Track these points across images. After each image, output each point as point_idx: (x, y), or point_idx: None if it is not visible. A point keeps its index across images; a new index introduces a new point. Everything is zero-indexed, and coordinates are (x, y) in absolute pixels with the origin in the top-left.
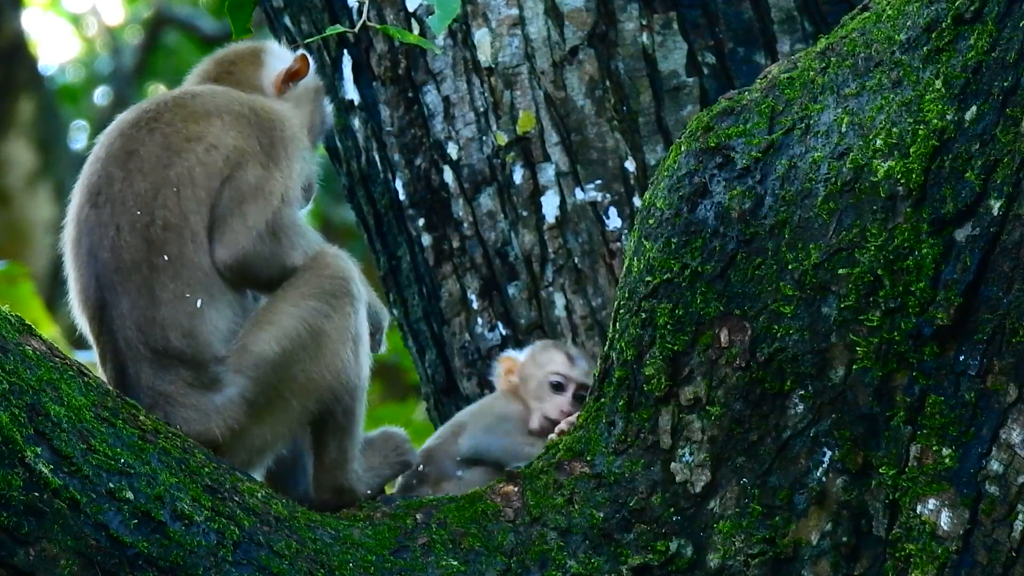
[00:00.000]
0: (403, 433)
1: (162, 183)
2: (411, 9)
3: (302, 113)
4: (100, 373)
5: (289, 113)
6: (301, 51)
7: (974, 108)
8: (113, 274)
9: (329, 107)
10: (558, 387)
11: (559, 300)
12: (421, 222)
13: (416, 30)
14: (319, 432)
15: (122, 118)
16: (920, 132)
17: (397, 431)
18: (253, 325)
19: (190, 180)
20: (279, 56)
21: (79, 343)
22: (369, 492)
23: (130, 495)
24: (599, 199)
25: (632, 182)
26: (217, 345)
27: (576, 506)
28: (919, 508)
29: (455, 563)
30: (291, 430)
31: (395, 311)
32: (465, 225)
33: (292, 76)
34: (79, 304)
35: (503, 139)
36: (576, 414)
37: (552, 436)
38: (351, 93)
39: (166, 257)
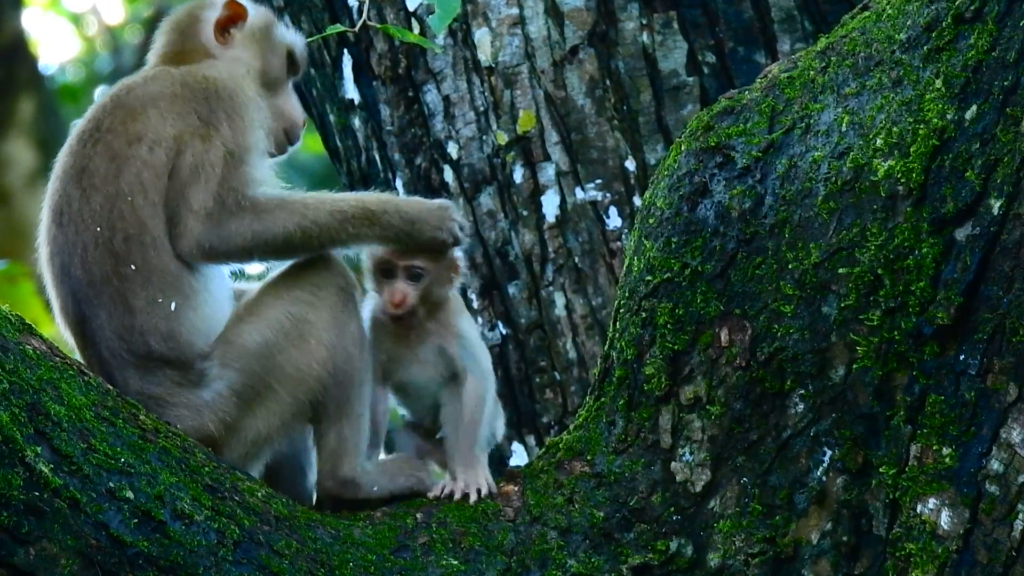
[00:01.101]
0: (434, 467)
1: (115, 196)
2: (411, 8)
3: (250, 57)
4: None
5: (225, 70)
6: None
7: (974, 107)
8: (87, 289)
9: (289, 36)
10: (387, 273)
11: (559, 299)
12: None
13: (416, 29)
14: (317, 423)
15: (74, 131)
16: (920, 131)
17: (433, 465)
18: (237, 318)
19: (140, 187)
20: (215, 7)
21: None
22: (376, 490)
23: (130, 494)
24: (599, 198)
25: (632, 181)
26: (199, 342)
27: (576, 505)
28: (919, 507)
29: (455, 562)
30: (284, 421)
31: None
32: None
33: (227, 23)
34: (61, 318)
35: (503, 138)
36: (414, 292)
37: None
38: (351, 92)
39: (133, 267)
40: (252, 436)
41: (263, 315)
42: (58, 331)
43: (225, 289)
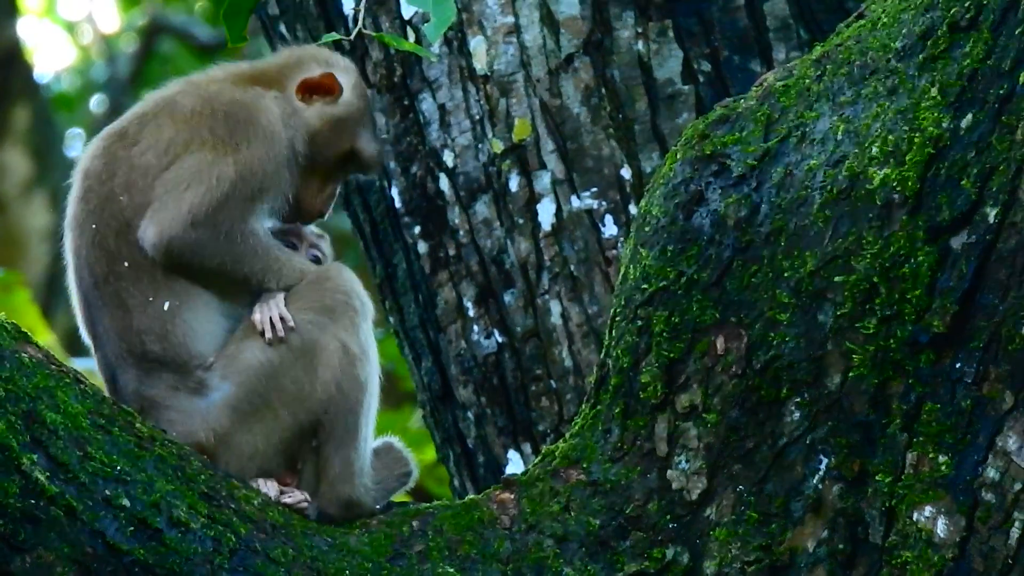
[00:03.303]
0: (401, 443)
1: (107, 196)
2: (407, 17)
3: (312, 121)
4: (98, 381)
5: (267, 103)
6: (331, 69)
7: (970, 116)
8: (94, 289)
9: (367, 140)
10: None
11: (555, 307)
12: (417, 230)
13: (412, 38)
14: (321, 446)
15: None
16: (916, 140)
17: (396, 441)
18: (245, 332)
19: (126, 187)
20: (320, 65)
21: (75, 350)
22: (378, 505)
23: (126, 502)
24: (595, 206)
25: (628, 190)
26: (198, 347)
27: (572, 513)
28: (915, 515)
29: (451, 570)
30: (282, 440)
31: (391, 319)
32: (461, 233)
33: (316, 88)
34: (81, 325)
35: (499, 147)
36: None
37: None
38: None
39: (126, 264)
40: (248, 452)
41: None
42: (54, 339)
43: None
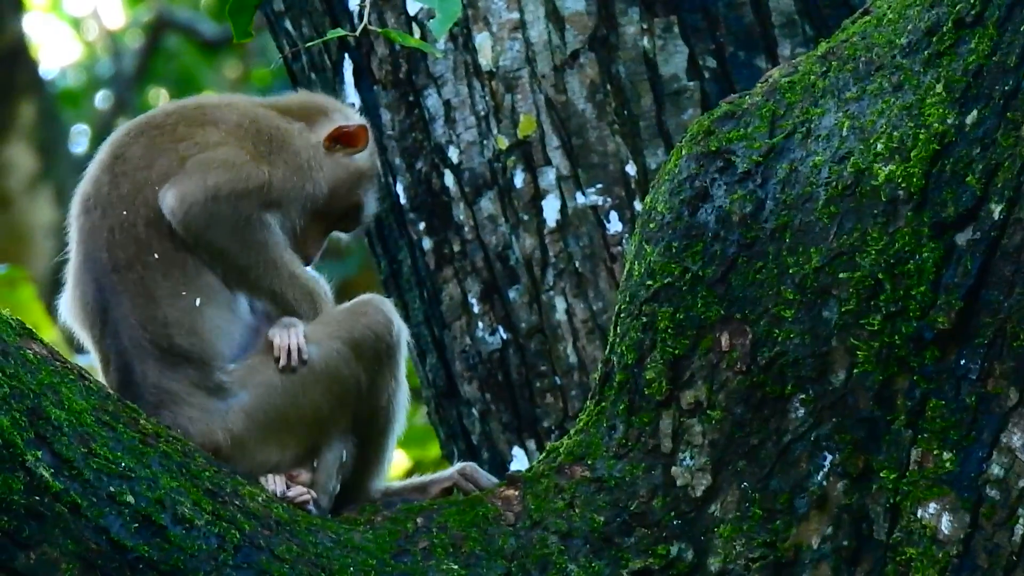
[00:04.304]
0: None
1: (143, 183)
2: (412, 13)
3: (331, 174)
4: (100, 378)
5: (308, 138)
6: (363, 122)
7: (975, 112)
8: (111, 274)
9: (372, 200)
10: None
11: (560, 304)
12: (422, 226)
13: (417, 34)
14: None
15: (122, 127)
16: (921, 136)
17: None
18: (269, 347)
19: (166, 177)
20: (347, 117)
21: (80, 347)
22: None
23: (131, 499)
24: (600, 203)
25: (633, 186)
26: (221, 346)
27: (577, 510)
28: (920, 512)
29: (456, 567)
30: (298, 455)
31: None
32: (466, 229)
33: (344, 139)
34: (79, 311)
35: (504, 143)
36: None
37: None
38: (352, 97)
39: (156, 255)
40: (260, 459)
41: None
42: (58, 335)
43: (243, 303)
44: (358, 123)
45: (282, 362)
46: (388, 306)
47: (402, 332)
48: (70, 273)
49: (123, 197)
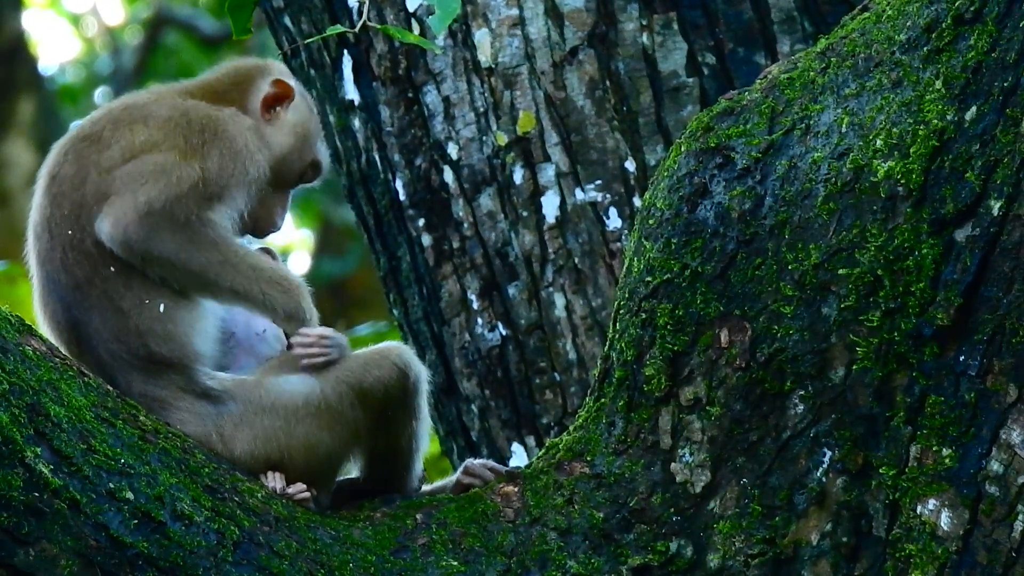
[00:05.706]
0: None
1: (80, 203)
2: (411, 9)
3: (280, 140)
4: None
5: (242, 122)
6: (278, 76)
7: (974, 108)
8: (74, 292)
9: (323, 150)
10: None
11: (559, 300)
12: (421, 222)
13: (416, 30)
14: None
15: (56, 145)
16: (920, 132)
17: None
18: (281, 365)
19: (98, 195)
20: (265, 73)
21: None
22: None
23: (130, 495)
24: (599, 199)
25: (632, 182)
26: (198, 345)
27: (576, 506)
28: (919, 508)
29: (455, 563)
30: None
31: (395, 311)
32: (465, 225)
33: (275, 101)
34: (51, 331)
35: (503, 139)
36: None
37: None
38: (351, 93)
39: (112, 268)
40: (257, 467)
41: (301, 386)
42: None
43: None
44: (275, 78)
45: (306, 361)
46: (407, 357)
47: (420, 378)
48: (36, 298)
49: (66, 218)
